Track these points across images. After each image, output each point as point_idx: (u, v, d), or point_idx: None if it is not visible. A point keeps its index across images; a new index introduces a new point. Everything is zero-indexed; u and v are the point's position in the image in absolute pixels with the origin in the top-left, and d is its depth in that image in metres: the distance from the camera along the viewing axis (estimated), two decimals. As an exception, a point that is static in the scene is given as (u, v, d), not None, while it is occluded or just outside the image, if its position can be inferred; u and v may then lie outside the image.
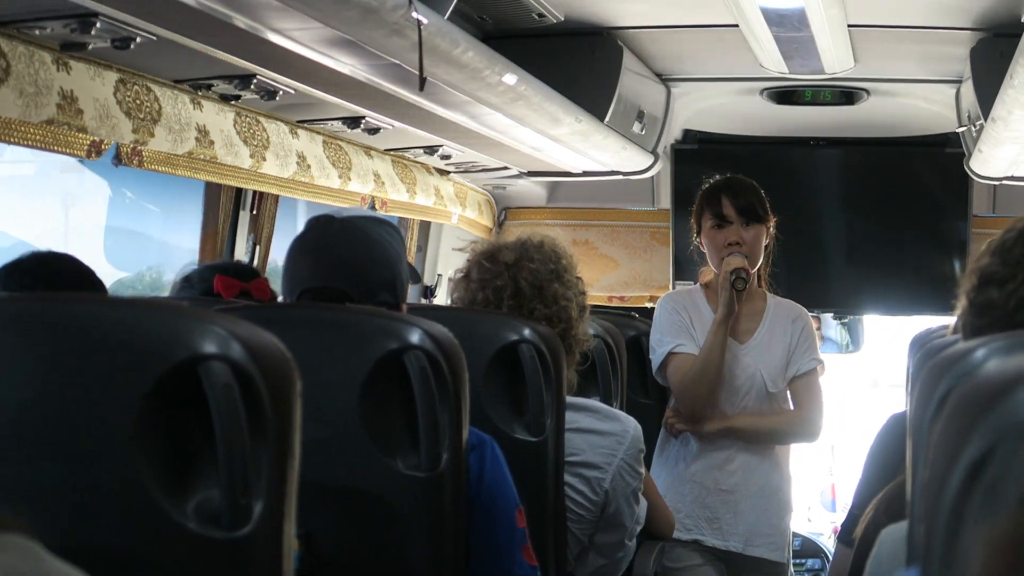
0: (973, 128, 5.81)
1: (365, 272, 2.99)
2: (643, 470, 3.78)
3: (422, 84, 3.71)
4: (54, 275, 3.17)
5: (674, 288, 7.03)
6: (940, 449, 1.10)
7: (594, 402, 3.86)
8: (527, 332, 3.40)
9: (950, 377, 1.71)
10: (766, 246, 4.91)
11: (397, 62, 3.80)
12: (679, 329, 4.87)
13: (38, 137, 3.52)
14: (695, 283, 5.83)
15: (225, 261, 5.13)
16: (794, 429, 4.92)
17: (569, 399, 3.59)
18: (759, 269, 4.95)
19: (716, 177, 5.00)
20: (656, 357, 4.89)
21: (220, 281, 3.84)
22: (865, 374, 10.08)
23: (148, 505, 1.87)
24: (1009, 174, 6.07)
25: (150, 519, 1.87)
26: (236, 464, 1.88)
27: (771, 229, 4.92)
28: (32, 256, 3.23)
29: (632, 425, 3.76)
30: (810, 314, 5.08)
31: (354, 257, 3.00)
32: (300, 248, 3.08)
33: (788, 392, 4.93)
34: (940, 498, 1.06)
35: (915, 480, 1.64)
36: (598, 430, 3.71)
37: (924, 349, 2.73)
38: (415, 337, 2.73)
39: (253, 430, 1.91)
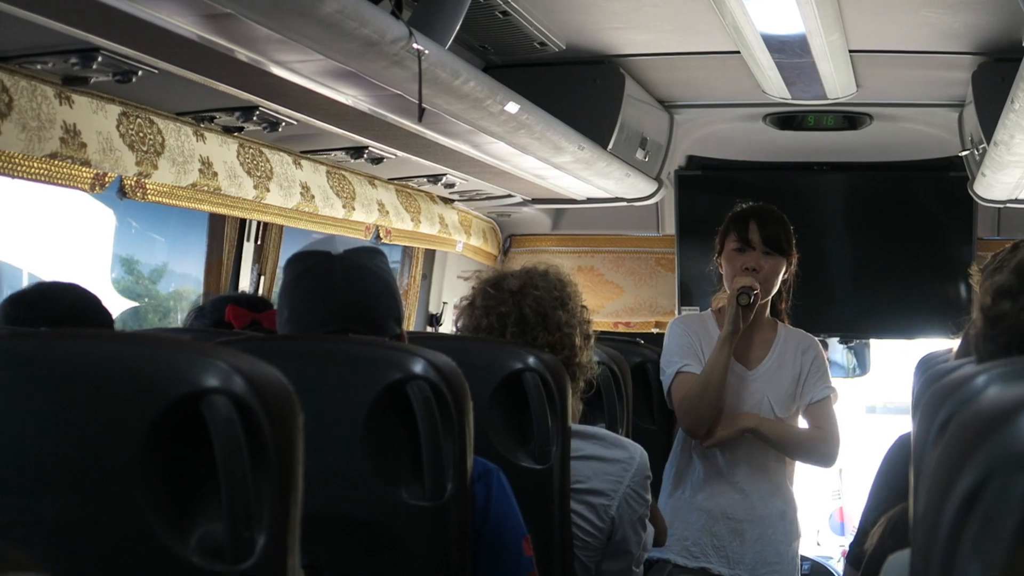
0: (976, 152, 5.81)
1: (376, 310, 2.97)
2: (649, 497, 3.77)
3: (421, 114, 3.72)
4: (57, 308, 3.14)
5: (680, 314, 7.02)
6: (936, 478, 1.09)
7: (599, 429, 3.85)
8: (531, 360, 3.39)
9: (952, 403, 1.71)
10: (784, 280, 4.91)
11: (399, 92, 3.82)
12: (687, 351, 4.87)
13: (42, 171, 3.53)
14: (700, 309, 5.82)
15: (239, 292, 5.13)
16: (815, 448, 4.91)
17: (574, 427, 3.58)
18: (778, 302, 4.96)
19: (748, 203, 4.99)
20: (665, 379, 4.89)
21: (231, 311, 3.84)
22: (861, 400, 10.02)
23: (150, 540, 1.87)
24: (1013, 197, 6.07)
25: (153, 554, 1.87)
26: (238, 497, 1.88)
27: (792, 265, 4.93)
28: (35, 288, 3.20)
29: (638, 452, 3.75)
30: (817, 339, 5.08)
31: (364, 297, 2.96)
32: (301, 289, 3.00)
33: (803, 419, 4.92)
34: (936, 529, 1.05)
35: (916, 508, 1.63)
36: (604, 457, 3.70)
37: (929, 373, 2.71)
38: (418, 367, 2.72)
39: (255, 463, 1.90)
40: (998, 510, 0.97)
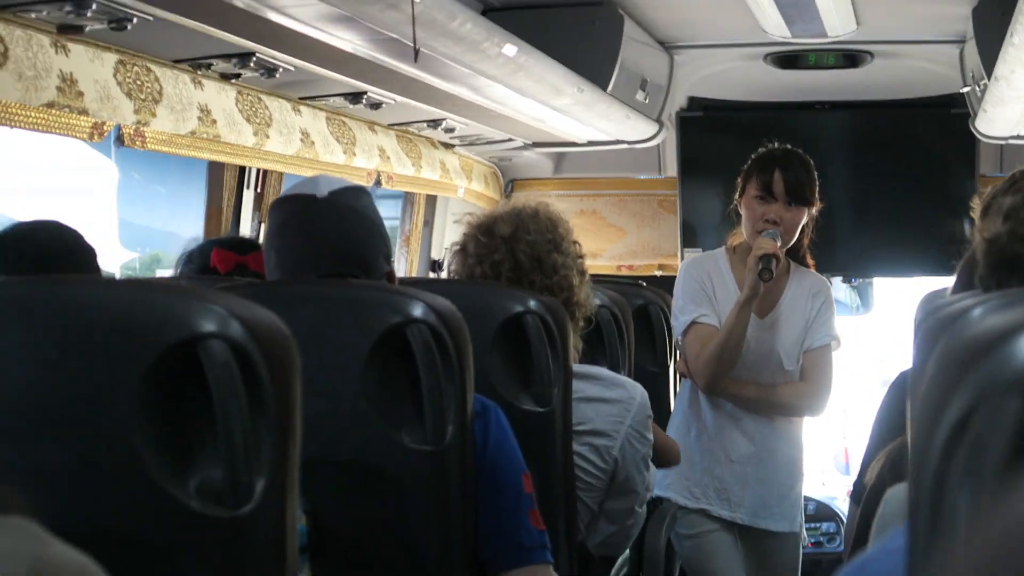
0: (977, 88, 5.79)
1: (366, 249, 2.96)
2: (652, 436, 3.78)
3: (416, 56, 3.71)
4: (40, 248, 3.11)
5: (682, 257, 7.01)
6: (927, 406, 1.09)
7: (600, 369, 3.86)
8: (532, 303, 3.39)
9: (948, 335, 1.70)
10: (805, 224, 4.82)
11: (395, 36, 3.80)
12: (700, 298, 4.79)
13: (39, 120, 3.51)
14: (702, 250, 5.77)
15: (225, 235, 5.10)
16: (799, 403, 4.87)
17: (575, 368, 3.59)
18: (798, 244, 4.84)
19: (775, 144, 4.92)
20: (678, 326, 4.85)
21: (216, 255, 3.82)
22: (877, 375, 9.89)
23: (150, 485, 1.87)
24: (1015, 133, 6.05)
25: (152, 499, 1.87)
26: (236, 442, 1.89)
27: (814, 210, 4.82)
28: (16, 229, 3.17)
29: (639, 392, 3.76)
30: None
31: (354, 237, 2.94)
32: (288, 233, 2.98)
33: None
34: (925, 458, 1.05)
35: (910, 439, 1.63)
36: (605, 398, 3.71)
37: (930, 307, 2.70)
38: (418, 311, 2.72)
39: (253, 407, 1.91)
40: (987, 436, 0.97)
